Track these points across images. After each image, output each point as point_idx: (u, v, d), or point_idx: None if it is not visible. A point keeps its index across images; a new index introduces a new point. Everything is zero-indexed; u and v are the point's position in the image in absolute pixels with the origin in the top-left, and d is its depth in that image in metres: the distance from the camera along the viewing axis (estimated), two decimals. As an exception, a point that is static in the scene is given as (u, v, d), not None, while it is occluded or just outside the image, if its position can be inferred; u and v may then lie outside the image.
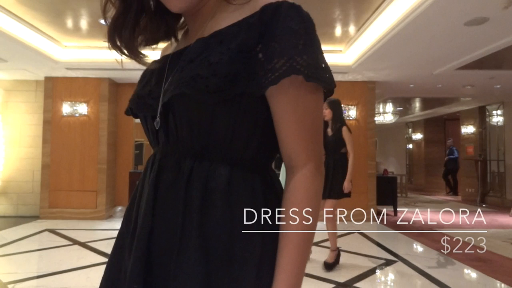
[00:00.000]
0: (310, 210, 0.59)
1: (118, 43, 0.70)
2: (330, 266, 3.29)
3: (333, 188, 3.37)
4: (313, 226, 0.60)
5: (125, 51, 0.71)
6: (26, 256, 3.66)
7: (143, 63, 0.73)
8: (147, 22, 0.73)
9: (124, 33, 0.70)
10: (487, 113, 8.36)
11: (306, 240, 0.60)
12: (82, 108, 5.68)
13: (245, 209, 0.60)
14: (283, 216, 0.60)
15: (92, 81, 5.66)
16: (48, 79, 5.67)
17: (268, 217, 0.62)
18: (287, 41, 0.58)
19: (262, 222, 0.61)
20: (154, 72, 0.70)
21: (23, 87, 5.94)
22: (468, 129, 8.84)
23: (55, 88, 5.68)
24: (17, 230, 4.78)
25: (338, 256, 3.39)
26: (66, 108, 5.67)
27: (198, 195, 0.60)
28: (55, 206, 5.60)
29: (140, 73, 0.76)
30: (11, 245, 4.03)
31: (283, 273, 0.58)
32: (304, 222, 0.59)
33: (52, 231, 4.78)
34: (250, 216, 0.61)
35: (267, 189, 0.64)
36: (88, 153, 5.65)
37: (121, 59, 0.72)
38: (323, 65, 0.61)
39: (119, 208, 5.87)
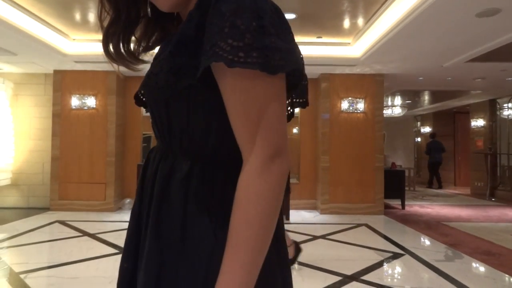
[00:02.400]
0: (250, 211, 0.53)
1: (110, 51, 0.72)
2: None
3: None
4: (257, 229, 0.53)
5: (116, 59, 0.73)
6: (37, 247, 3.73)
7: (135, 70, 0.76)
8: (144, 29, 0.74)
9: (114, 41, 0.71)
10: (498, 106, 8.24)
11: (247, 244, 0.53)
12: (91, 101, 5.72)
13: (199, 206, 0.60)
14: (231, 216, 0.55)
15: (100, 74, 5.69)
16: (57, 72, 5.71)
17: (223, 214, 0.58)
18: (213, 26, 0.53)
19: (216, 219, 0.59)
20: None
21: (32, 80, 6.00)
22: (478, 123, 8.72)
23: (63, 81, 5.73)
24: (28, 222, 4.87)
25: (297, 250, 3.06)
26: (74, 101, 5.72)
27: (159, 189, 0.63)
28: (64, 198, 5.68)
29: (148, 66, 0.78)
30: (22, 236, 4.10)
31: (222, 275, 0.54)
32: (244, 225, 0.53)
33: (62, 222, 4.85)
34: (205, 212, 0.60)
35: (230, 184, 0.58)
36: (96, 146, 5.71)
37: (118, 66, 0.75)
38: (266, 46, 0.51)
39: (128, 200, 5.93)
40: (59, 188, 5.68)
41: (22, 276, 2.84)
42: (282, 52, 0.53)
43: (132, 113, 6.09)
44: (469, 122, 9.15)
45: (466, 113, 9.71)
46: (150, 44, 0.76)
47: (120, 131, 5.96)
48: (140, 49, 0.75)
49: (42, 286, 2.67)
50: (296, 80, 0.59)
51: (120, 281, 0.72)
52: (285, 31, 0.56)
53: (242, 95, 0.54)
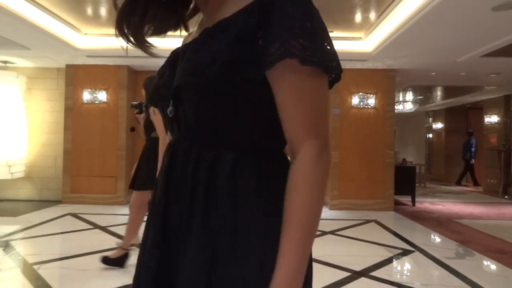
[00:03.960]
0: (308, 196, 0.58)
1: (126, 30, 0.70)
2: (108, 261, 2.83)
3: (136, 177, 2.94)
4: (314, 213, 0.58)
5: (132, 39, 0.70)
6: (50, 239, 3.80)
7: (149, 52, 0.73)
8: (157, 10, 0.71)
9: (132, 20, 0.69)
10: (513, 102, 8.07)
11: (306, 226, 0.58)
12: (102, 96, 5.78)
13: (250, 197, 0.61)
14: (285, 202, 0.59)
15: (112, 69, 5.74)
16: (69, 67, 5.77)
17: (275, 203, 0.61)
18: (282, 25, 0.57)
19: (267, 209, 0.61)
20: (168, 63, 0.73)
21: (45, 75, 6.07)
22: (491, 119, 8.56)
23: (75, 76, 5.79)
24: (40, 214, 4.96)
25: (124, 257, 2.87)
26: (86, 96, 5.78)
27: (204, 180, 0.63)
28: (76, 191, 5.76)
29: (157, 60, 0.77)
30: (35, 228, 4.18)
31: (283, 257, 0.57)
32: (303, 209, 0.58)
33: (74, 215, 4.93)
34: (255, 203, 0.61)
35: (276, 175, 0.63)
36: (108, 140, 5.77)
37: (126, 47, 0.72)
38: (325, 49, 0.59)
39: (138, 194, 5.98)
40: (71, 181, 5.76)
41: (35, 267, 2.90)
42: (335, 55, 0.61)
43: (142, 107, 6.12)
44: (483, 118, 8.99)
45: (480, 109, 9.53)
46: (161, 27, 0.73)
47: (131, 125, 6.00)
48: (150, 31, 0.72)
49: (55, 277, 2.72)
50: (336, 80, 0.65)
51: (143, 277, 0.68)
52: (329, 34, 0.63)
53: (301, 90, 0.59)
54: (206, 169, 0.63)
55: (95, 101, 5.78)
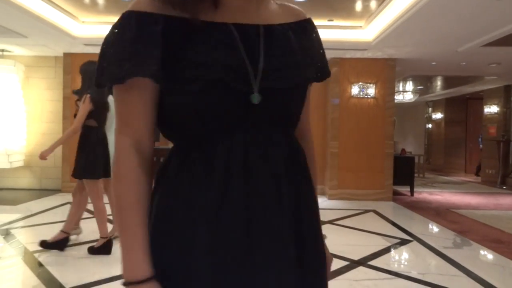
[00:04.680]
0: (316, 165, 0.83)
1: None
2: (93, 250, 2.93)
3: (75, 166, 3.08)
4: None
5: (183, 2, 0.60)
6: (50, 227, 3.82)
7: (196, 22, 0.61)
8: None
9: None
10: (513, 92, 8.05)
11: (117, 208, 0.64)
12: (100, 85, 5.74)
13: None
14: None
15: (110, 58, 5.69)
16: (66, 55, 5.72)
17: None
18: (322, 49, 0.78)
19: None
20: (232, 40, 0.62)
21: (43, 63, 6.03)
22: (491, 109, 8.55)
23: (73, 64, 5.74)
24: (41, 203, 4.98)
25: (107, 245, 2.92)
26: (84, 85, 5.74)
27: (300, 164, 0.72)
28: (75, 180, 5.76)
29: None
30: (35, 216, 4.20)
31: None
32: (317, 171, 0.83)
33: (74, 204, 4.94)
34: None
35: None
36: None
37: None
38: None
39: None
40: (70, 170, 5.75)
41: (36, 255, 2.92)
42: None
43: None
44: (482, 109, 8.98)
45: (480, 99, 9.51)
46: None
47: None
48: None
49: (56, 265, 2.74)
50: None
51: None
52: None
53: (309, 95, 0.79)
54: (294, 154, 0.70)
55: (94, 90, 5.75)
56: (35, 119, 6.02)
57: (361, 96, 5.75)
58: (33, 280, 2.45)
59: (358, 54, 5.52)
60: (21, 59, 5.93)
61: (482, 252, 3.42)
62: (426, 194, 6.63)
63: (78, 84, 5.72)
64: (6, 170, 5.83)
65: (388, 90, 5.78)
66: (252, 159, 0.63)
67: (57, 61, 5.97)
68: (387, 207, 5.27)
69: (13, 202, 5.00)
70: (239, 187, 0.61)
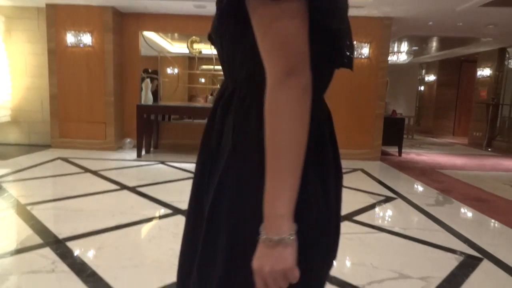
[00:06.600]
0: (274, 124, 0.59)
1: None
2: None
3: None
4: (284, 139, 0.58)
5: None
6: (41, 181, 3.85)
7: None
8: None
9: None
10: (507, 55, 8.00)
11: (279, 152, 0.59)
12: (87, 39, 5.53)
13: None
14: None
15: (95, 10, 5.44)
16: (49, 7, 5.45)
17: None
18: None
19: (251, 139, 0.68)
20: None
21: (24, 15, 5.74)
22: (484, 72, 8.54)
23: (57, 17, 5.49)
24: (30, 158, 4.97)
25: None
26: (70, 38, 5.53)
27: (221, 107, 0.74)
28: (65, 136, 5.73)
29: (143, 1, 0.74)
30: (26, 171, 4.21)
31: (267, 182, 0.60)
32: (271, 135, 0.59)
33: (65, 159, 4.95)
34: (228, 134, 0.70)
35: (256, 109, 0.67)
36: (95, 85, 5.64)
37: None
38: None
39: (128, 140, 5.99)
40: (60, 126, 5.71)
41: (28, 207, 2.96)
42: None
43: (130, 52, 5.92)
44: (475, 72, 8.96)
45: (474, 62, 9.46)
46: None
47: (118, 71, 5.84)
48: None
49: (49, 217, 2.79)
50: (321, 17, 0.61)
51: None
52: None
53: (255, 22, 0.61)
54: (221, 100, 0.74)
55: (80, 44, 5.55)
56: (18, 73, 5.83)
57: (355, 56, 5.67)
58: (27, 230, 2.50)
59: (355, 12, 5.36)
60: (0, 10, 5.63)
61: (462, 209, 3.57)
62: (413, 154, 6.77)
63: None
64: (-7, 125, 5.75)
65: (382, 50, 5.69)
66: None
67: (40, 13, 5.69)
68: (375, 167, 5.39)
69: (2, 156, 4.98)
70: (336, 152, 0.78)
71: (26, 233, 2.45)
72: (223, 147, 0.71)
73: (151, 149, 5.90)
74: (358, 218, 3.08)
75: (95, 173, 4.27)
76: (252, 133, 0.67)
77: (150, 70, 6.32)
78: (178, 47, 6.52)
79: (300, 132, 0.59)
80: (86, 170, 4.40)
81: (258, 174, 0.63)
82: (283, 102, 0.58)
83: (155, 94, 6.35)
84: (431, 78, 11.47)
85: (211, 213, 0.69)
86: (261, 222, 0.61)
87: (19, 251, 2.20)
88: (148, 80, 6.27)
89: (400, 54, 9.11)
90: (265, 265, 0.59)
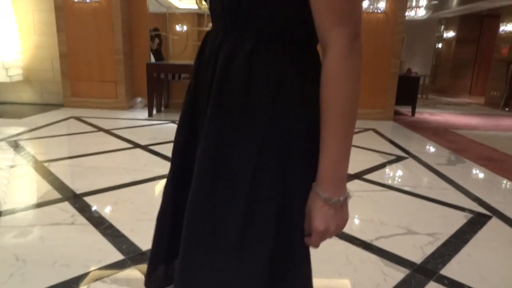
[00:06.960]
0: (343, 92, 0.58)
1: None
2: None
3: None
4: (349, 109, 0.59)
5: None
6: (56, 140, 3.93)
7: None
8: None
9: None
10: (533, 9, 7.56)
11: (344, 121, 0.60)
12: (93, -6, 5.39)
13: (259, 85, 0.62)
14: (320, 98, 0.61)
15: (101, -38, 5.24)
16: (53, -41, 5.27)
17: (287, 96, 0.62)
18: None
19: (275, 96, 0.62)
20: None
21: (29, -32, 5.57)
22: (507, 27, 8.12)
23: (62, -30, 5.32)
24: (45, 117, 5.04)
25: None
26: (76, -7, 5.40)
27: (223, 64, 0.64)
28: (77, 95, 5.77)
29: None
30: (41, 130, 4.30)
31: (326, 150, 0.62)
32: (340, 104, 0.59)
33: (78, 118, 5.02)
34: (261, 91, 0.63)
35: (293, 67, 0.63)
36: (103, 43, 5.56)
37: None
38: None
39: (139, 99, 6.01)
40: (71, 85, 5.73)
41: (45, 164, 3.06)
42: None
43: (137, 8, 5.76)
44: (497, 28, 8.52)
45: (497, 16, 8.97)
46: None
47: (126, 28, 5.72)
48: None
49: (66, 173, 2.88)
50: None
51: (173, 153, 0.79)
52: None
53: None
54: (227, 53, 0.64)
55: (87, -1, 5.42)
56: (26, 31, 5.76)
57: (371, 11, 5.42)
58: (46, 186, 2.59)
59: (371, -38, 5.06)
60: (5, -38, 5.46)
61: (474, 169, 3.55)
62: (427, 114, 6.66)
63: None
64: (6, 84, 5.80)
65: (400, 4, 5.42)
66: (197, 54, 0.76)
67: (44, -34, 5.51)
68: (387, 126, 5.33)
69: (18, 115, 5.07)
70: (192, 75, 0.77)
71: (46, 189, 2.55)
72: (253, 109, 0.62)
73: (162, 108, 5.92)
74: (368, 176, 3.10)
75: (108, 131, 4.34)
76: (295, 94, 0.63)
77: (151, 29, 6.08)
78: (186, 3, 6.31)
79: (359, 98, 0.61)
80: (99, 129, 4.47)
81: (306, 136, 0.63)
82: (350, 68, 0.57)
83: (157, 53, 6.17)
84: (450, 34, 10.99)
85: (253, 178, 0.63)
86: (309, 184, 0.64)
87: (39, 205, 2.30)
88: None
89: (419, 9, 8.68)
90: (331, 225, 0.62)
